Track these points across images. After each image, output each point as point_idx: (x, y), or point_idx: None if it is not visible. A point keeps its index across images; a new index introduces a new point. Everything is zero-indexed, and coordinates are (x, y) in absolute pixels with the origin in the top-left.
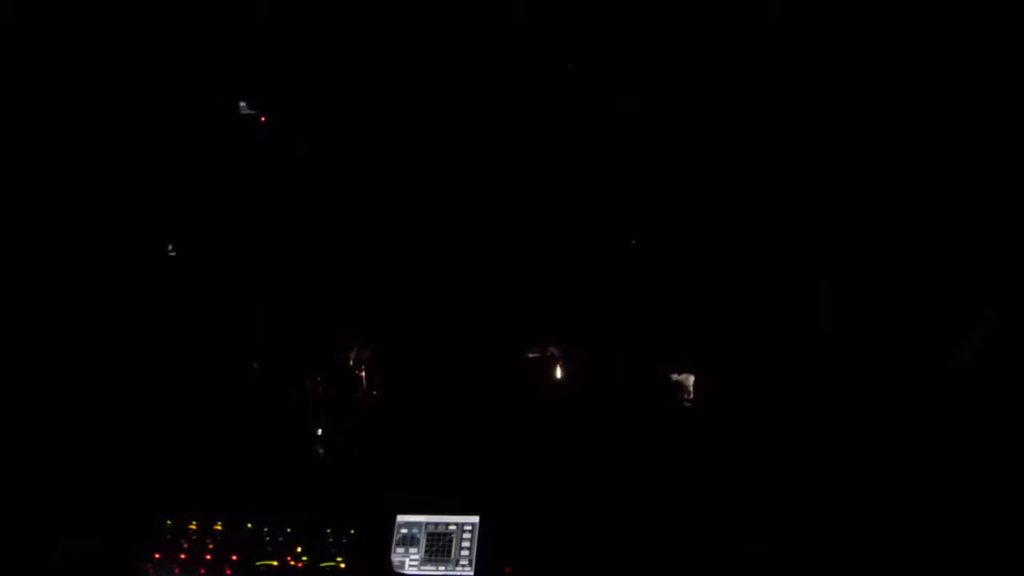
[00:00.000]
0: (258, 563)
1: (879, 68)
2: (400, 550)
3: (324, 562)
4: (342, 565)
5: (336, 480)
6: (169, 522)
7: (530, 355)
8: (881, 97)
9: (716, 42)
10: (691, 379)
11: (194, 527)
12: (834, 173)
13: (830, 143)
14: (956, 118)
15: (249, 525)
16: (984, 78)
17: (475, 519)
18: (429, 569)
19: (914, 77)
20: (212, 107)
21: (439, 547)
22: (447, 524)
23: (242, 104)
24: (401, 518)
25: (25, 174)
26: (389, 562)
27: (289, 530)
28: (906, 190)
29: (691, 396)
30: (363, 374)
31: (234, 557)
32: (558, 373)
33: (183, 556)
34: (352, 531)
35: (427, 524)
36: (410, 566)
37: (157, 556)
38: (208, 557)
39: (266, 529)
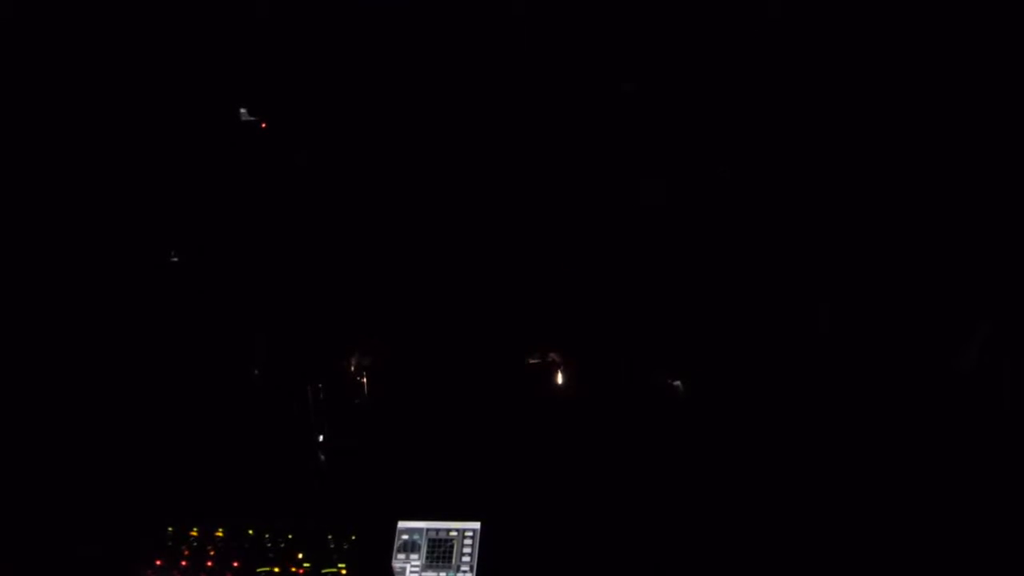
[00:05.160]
0: (259, 570)
1: (877, 70)
2: (401, 556)
3: (325, 568)
4: (343, 571)
5: (337, 486)
6: (170, 529)
7: (531, 361)
8: (880, 99)
9: (718, 46)
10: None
11: (195, 534)
12: (833, 179)
13: (828, 149)
14: (956, 120)
15: (250, 531)
16: (984, 79)
17: (476, 525)
18: (430, 575)
19: (913, 79)
20: (213, 113)
21: (440, 553)
22: (448, 530)
23: (243, 111)
24: (402, 524)
25: (28, 181)
26: (390, 568)
27: (290, 536)
28: (904, 194)
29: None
30: (364, 380)
31: (235, 564)
32: (559, 379)
33: (184, 563)
34: (353, 537)
35: (428, 530)
36: (411, 572)
37: (158, 563)
38: (209, 564)
39: (267, 535)
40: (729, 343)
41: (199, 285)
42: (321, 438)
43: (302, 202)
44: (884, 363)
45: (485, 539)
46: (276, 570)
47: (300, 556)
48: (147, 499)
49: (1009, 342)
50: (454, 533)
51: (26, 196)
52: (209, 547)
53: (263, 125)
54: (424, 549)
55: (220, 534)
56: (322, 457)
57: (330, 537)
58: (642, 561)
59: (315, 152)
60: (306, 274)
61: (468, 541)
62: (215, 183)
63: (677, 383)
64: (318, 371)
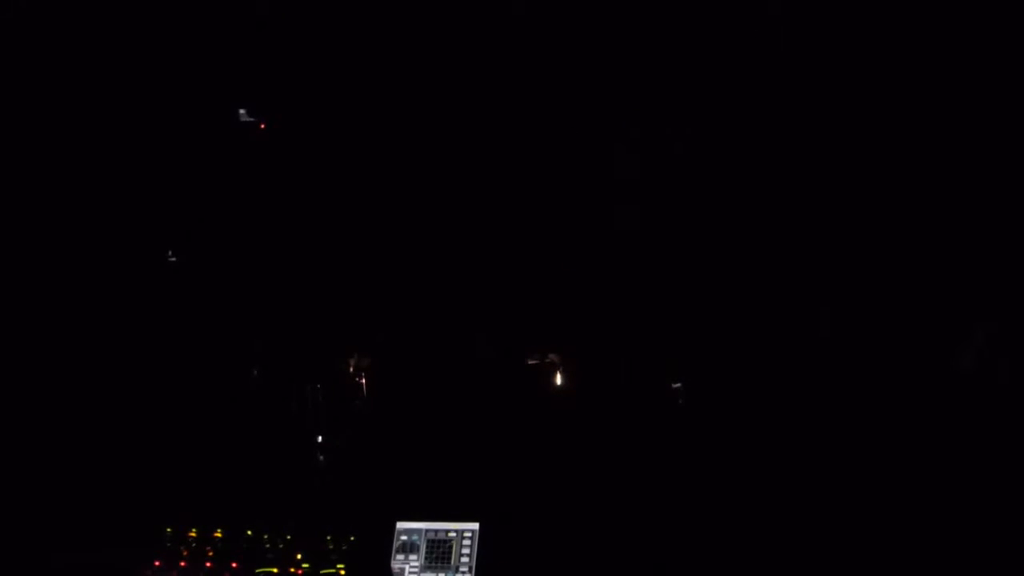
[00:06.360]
0: (258, 570)
1: (877, 71)
2: (400, 557)
3: (324, 569)
4: (342, 572)
5: (336, 487)
6: (169, 529)
7: (530, 362)
8: (880, 100)
9: (718, 46)
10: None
11: (194, 534)
12: (834, 181)
13: (829, 151)
14: (956, 120)
15: (249, 532)
16: (984, 79)
17: (475, 526)
18: None
19: (913, 80)
20: (213, 113)
21: (439, 554)
22: (447, 531)
23: (242, 111)
24: (401, 525)
25: (28, 180)
26: (389, 569)
27: (289, 537)
28: (904, 194)
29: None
30: (363, 381)
31: (234, 564)
32: (558, 380)
33: (183, 564)
34: (352, 538)
35: (427, 531)
36: (410, 573)
37: (157, 564)
38: (208, 564)
39: (266, 536)
40: (729, 344)
41: (197, 286)
42: (320, 438)
43: (301, 203)
44: (884, 364)
45: (484, 540)
46: (275, 571)
47: (299, 557)
48: (146, 500)
49: (1009, 342)
50: (453, 534)
51: (26, 196)
52: (208, 548)
53: (262, 125)
54: (423, 550)
55: (219, 535)
56: (321, 457)
57: (329, 538)
58: (641, 561)
59: (315, 152)
60: (305, 275)
61: (467, 542)
62: (214, 183)
63: (677, 385)
64: (317, 372)
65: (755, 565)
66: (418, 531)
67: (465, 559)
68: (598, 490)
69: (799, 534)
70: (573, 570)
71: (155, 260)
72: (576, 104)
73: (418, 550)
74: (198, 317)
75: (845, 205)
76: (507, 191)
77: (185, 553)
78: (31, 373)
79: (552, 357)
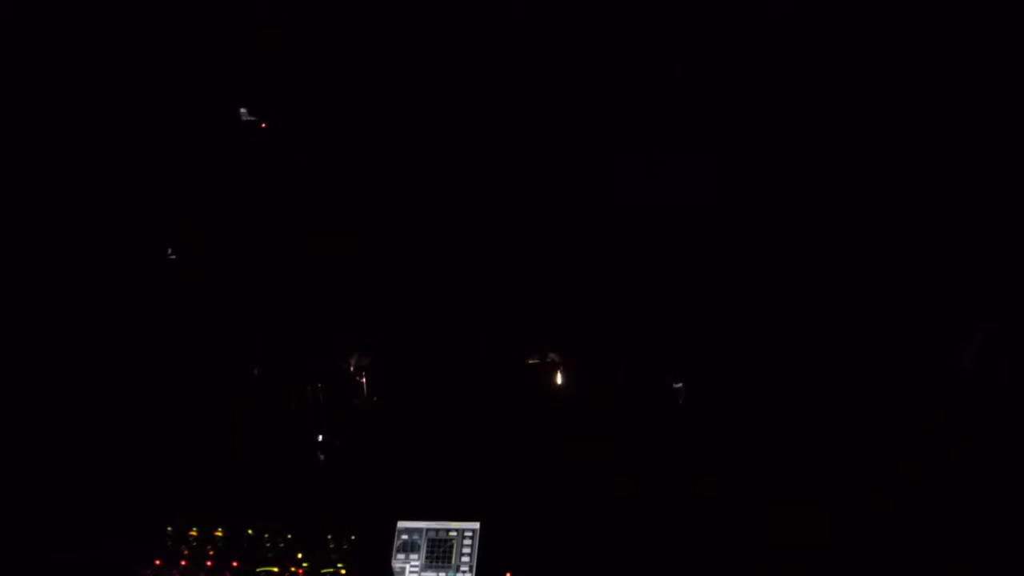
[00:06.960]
0: (259, 569)
1: (877, 70)
2: (401, 556)
3: (325, 568)
4: (343, 571)
5: (337, 486)
6: (170, 528)
7: (531, 361)
8: (880, 99)
9: (717, 47)
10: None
11: (195, 533)
12: (834, 180)
13: (829, 151)
14: (955, 121)
15: (250, 531)
16: (984, 80)
17: (476, 525)
18: (430, 575)
19: (913, 80)
20: (213, 113)
21: (440, 553)
22: (448, 530)
23: (243, 111)
24: (402, 524)
25: (28, 180)
26: (390, 568)
27: (290, 536)
28: (904, 194)
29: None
30: (363, 381)
31: (235, 563)
32: (558, 379)
33: (184, 563)
34: (353, 537)
35: (428, 530)
36: (411, 572)
37: (158, 563)
38: (209, 563)
39: (267, 535)
40: (729, 344)
41: (197, 284)
42: (321, 437)
43: (302, 202)
44: (884, 363)
45: (484, 539)
46: (275, 570)
47: (299, 556)
48: (146, 499)
49: (1009, 342)
50: (453, 533)
51: (25, 194)
52: (208, 547)
53: (263, 125)
54: (424, 549)
55: (219, 534)
56: (321, 457)
57: (329, 537)
58: (641, 561)
59: (315, 152)
60: (305, 274)
61: (467, 541)
62: (215, 182)
63: (678, 385)
64: (317, 371)
65: (755, 565)
66: (419, 530)
67: (466, 558)
68: (599, 489)
69: (799, 533)
70: (573, 570)
71: (155, 258)
72: (576, 105)
73: (419, 549)
74: (198, 315)
75: (846, 204)
76: (507, 191)
77: (186, 552)
78: (31, 371)
79: (552, 357)
